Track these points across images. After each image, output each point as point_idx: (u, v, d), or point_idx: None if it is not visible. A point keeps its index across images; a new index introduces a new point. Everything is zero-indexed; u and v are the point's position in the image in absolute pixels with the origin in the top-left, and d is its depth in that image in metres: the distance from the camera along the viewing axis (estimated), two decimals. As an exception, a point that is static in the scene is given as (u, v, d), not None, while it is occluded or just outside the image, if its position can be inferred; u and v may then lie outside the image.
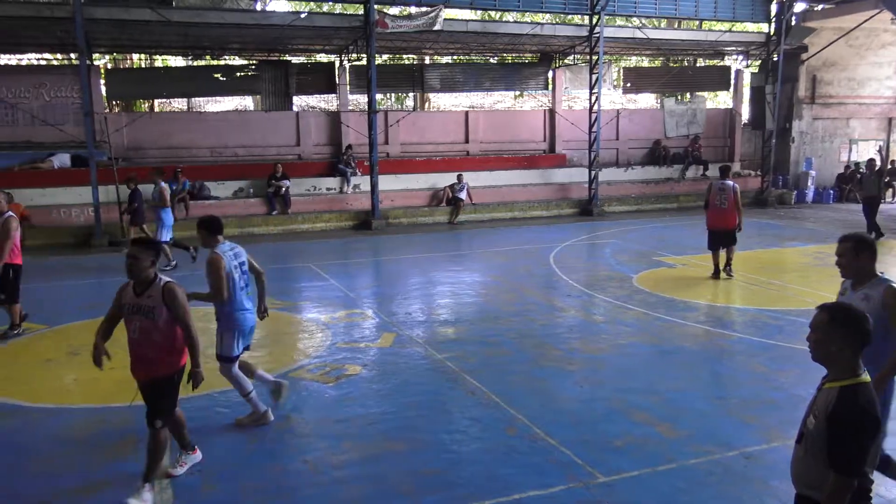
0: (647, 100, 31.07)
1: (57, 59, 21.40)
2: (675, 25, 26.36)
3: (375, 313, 9.79)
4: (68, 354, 8.08)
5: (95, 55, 20.62)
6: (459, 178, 20.12)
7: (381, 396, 6.68)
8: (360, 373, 7.30)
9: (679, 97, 26.94)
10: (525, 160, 23.09)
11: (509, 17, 21.70)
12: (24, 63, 21.79)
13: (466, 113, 24.35)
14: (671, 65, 29.33)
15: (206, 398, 6.53)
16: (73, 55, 19.54)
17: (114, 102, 22.81)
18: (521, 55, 25.05)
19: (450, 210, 19.91)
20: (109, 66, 23.20)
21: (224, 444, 5.63)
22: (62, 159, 18.36)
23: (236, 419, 6.08)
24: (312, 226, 18.55)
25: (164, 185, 13.66)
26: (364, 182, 19.61)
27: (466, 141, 23.63)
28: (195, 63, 23.02)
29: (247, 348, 6.12)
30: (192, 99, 26.84)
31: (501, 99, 33.71)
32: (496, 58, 25.60)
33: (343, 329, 9.00)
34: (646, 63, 31.21)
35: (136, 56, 25.63)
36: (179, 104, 29.07)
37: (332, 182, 20.10)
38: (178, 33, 18.32)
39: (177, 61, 23.93)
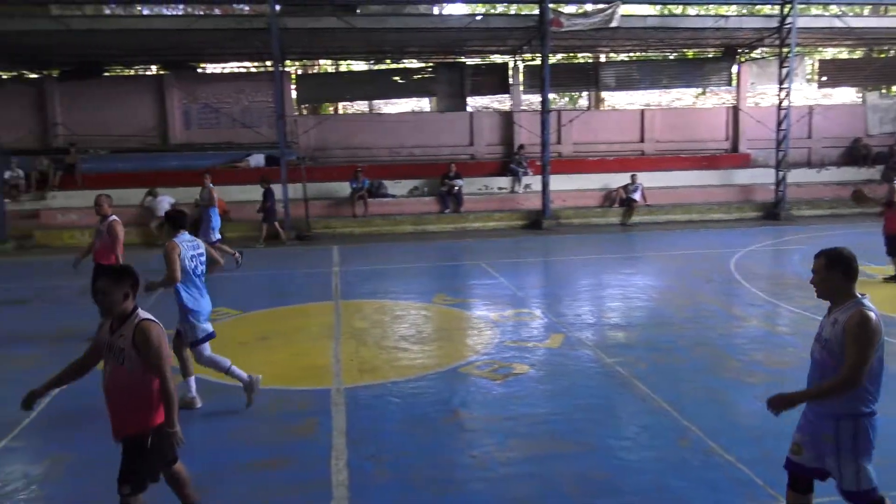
0: (846, 94, 28.52)
1: (255, 67, 23.25)
2: (881, 12, 23.96)
3: (544, 313, 9.75)
4: (258, 339, 8.74)
5: (287, 62, 22.17)
6: (633, 178, 19.55)
7: (548, 397, 6.64)
8: (527, 372, 7.30)
9: (884, 91, 24.45)
10: (704, 160, 22.00)
11: (691, 9, 20.74)
12: (226, 71, 23.89)
13: (642, 111, 23.63)
14: (875, 56, 26.69)
15: (379, 387, 6.82)
16: (268, 63, 21.15)
17: (303, 106, 24.45)
18: (703, 50, 23.89)
19: (623, 211, 19.41)
20: (300, 71, 24.87)
21: (395, 434, 5.84)
22: (258, 159, 19.94)
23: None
24: (483, 224, 18.81)
25: (212, 185, 13.88)
26: (535, 182, 19.59)
27: (642, 140, 22.93)
28: (376, 67, 24.13)
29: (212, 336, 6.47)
30: (373, 101, 28.16)
31: (680, 96, 32.36)
32: (675, 53, 24.61)
33: (511, 328, 9.04)
34: (845, 54, 28.62)
35: (323, 62, 27.31)
36: (361, 106, 30.60)
37: (504, 181, 20.28)
38: (361, 39, 19.28)
39: (359, 65, 25.19)
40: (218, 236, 13.54)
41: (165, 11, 18.58)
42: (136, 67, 23.76)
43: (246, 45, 19.19)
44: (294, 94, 22.44)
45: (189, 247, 6.33)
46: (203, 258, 6.46)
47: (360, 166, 19.08)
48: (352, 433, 5.75)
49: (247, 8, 19.46)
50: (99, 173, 18.97)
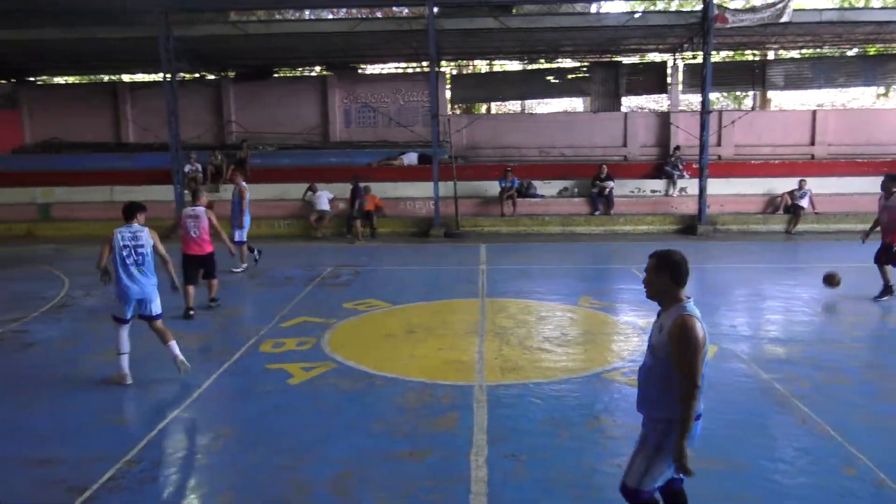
0: None
1: (411, 68, 23.92)
2: None
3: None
4: (405, 332, 8.99)
5: (443, 62, 22.63)
6: (801, 183, 18.26)
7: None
8: (675, 382, 7.01)
9: None
10: (885, 165, 20.14)
11: (875, 1, 19.07)
12: (384, 72, 24.75)
13: (814, 112, 22.02)
14: None
15: (521, 387, 6.81)
16: (424, 63, 21.70)
17: (456, 105, 24.86)
18: (888, 46, 21.89)
19: (787, 218, 18.19)
20: (454, 72, 25.32)
21: (535, 435, 5.81)
22: (411, 157, 20.52)
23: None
24: (634, 228, 18.29)
25: (244, 184, 13.58)
26: (691, 185, 18.78)
27: (812, 143, 21.41)
28: (529, 67, 24.10)
29: (145, 317, 7.23)
30: (525, 101, 28.14)
31: (858, 96, 29.87)
32: (855, 50, 22.72)
33: (660, 335, 8.72)
34: None
35: (477, 62, 27.62)
36: (513, 106, 30.67)
37: (658, 184, 19.61)
38: (515, 39, 19.32)
39: (513, 65, 25.27)
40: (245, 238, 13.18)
41: (327, 16, 19.54)
42: (302, 69, 25.17)
43: (404, 47, 19.78)
44: (448, 94, 22.88)
45: (126, 235, 7.08)
46: (142, 249, 7.11)
47: (510, 166, 19.13)
48: (492, 431, 5.78)
49: (406, 10, 20.07)
50: (266, 168, 20.26)
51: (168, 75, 17.75)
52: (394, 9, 21.18)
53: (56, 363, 7.99)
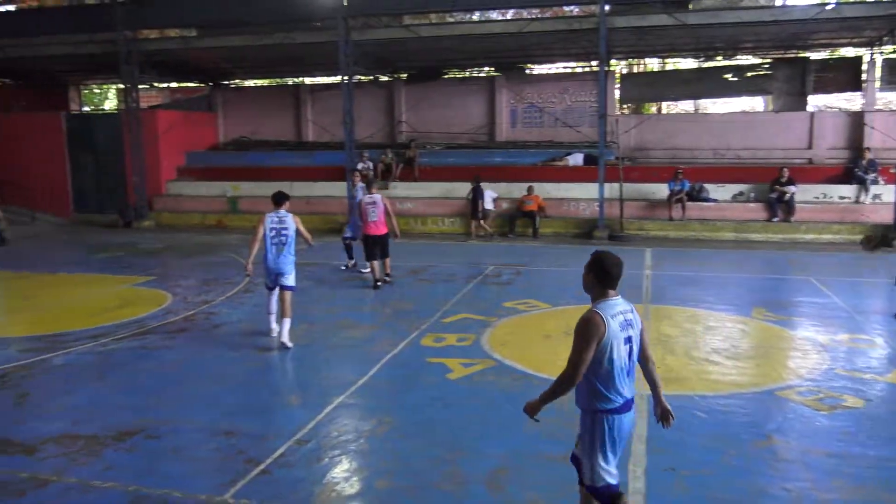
0: None
1: (580, 67, 23.60)
2: None
3: (887, 342, 8.49)
4: (565, 334, 8.88)
5: (612, 61, 22.14)
6: None
7: (886, 440, 5.76)
8: (861, 407, 6.42)
9: None
10: None
11: None
12: (552, 72, 24.60)
13: None
14: None
15: (685, 399, 6.53)
16: (593, 63, 21.32)
17: (625, 105, 24.24)
18: None
19: None
20: (624, 71, 24.68)
21: (698, 449, 5.55)
22: (576, 158, 20.26)
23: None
24: (817, 237, 16.91)
25: (361, 184, 13.97)
26: (887, 192, 17.07)
27: None
28: (705, 65, 22.99)
29: (282, 287, 8.43)
30: (698, 100, 26.90)
31: None
32: None
33: (844, 354, 8.03)
34: None
35: (648, 60, 26.76)
36: (685, 105, 29.42)
37: (847, 190, 17.98)
38: (690, 35, 18.51)
39: (686, 63, 24.22)
40: (350, 235, 13.35)
41: (494, 16, 19.70)
42: (471, 70, 25.58)
43: (573, 46, 19.54)
44: (617, 94, 22.34)
45: (274, 219, 8.38)
46: (285, 232, 8.35)
47: (681, 168, 18.35)
48: (652, 441, 5.59)
49: (576, 9, 19.82)
50: (433, 166, 20.81)
51: (346, 78, 18.70)
52: (564, 8, 20.99)
53: (239, 344, 8.68)
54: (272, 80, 28.83)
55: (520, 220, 18.00)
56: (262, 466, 5.29)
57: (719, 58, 22.60)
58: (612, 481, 3.87)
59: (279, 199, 8.50)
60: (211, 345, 8.68)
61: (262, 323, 9.13)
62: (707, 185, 18.48)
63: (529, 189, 18.14)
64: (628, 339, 3.80)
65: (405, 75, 23.97)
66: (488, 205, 18.15)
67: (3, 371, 7.67)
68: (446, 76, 24.75)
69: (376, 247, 11.60)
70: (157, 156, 21.84)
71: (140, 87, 21.60)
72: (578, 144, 20.57)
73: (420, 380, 7.23)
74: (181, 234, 19.19)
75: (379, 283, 11.57)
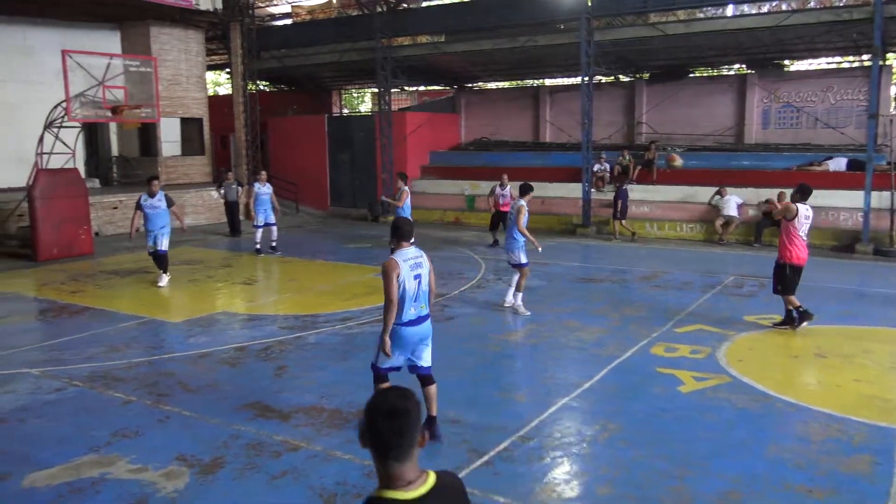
0: None
1: (847, 62, 21.30)
2: None
3: None
4: (815, 355, 8.09)
5: (889, 55, 19.71)
6: None
7: None
8: None
9: None
10: None
11: None
12: (813, 68, 22.45)
13: None
14: None
15: None
16: (864, 57, 19.12)
17: (902, 104, 21.45)
18: None
19: None
20: (903, 65, 21.84)
21: None
22: (838, 163, 18.28)
23: None
24: None
25: (405, 188, 14.56)
26: None
27: None
28: None
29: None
30: None
31: None
32: None
33: None
34: None
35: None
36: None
37: None
38: None
39: None
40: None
41: (747, 9, 18.28)
42: (719, 68, 24.14)
43: (839, 39, 17.67)
44: (893, 91, 19.83)
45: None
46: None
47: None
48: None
49: (845, -3, 17.88)
50: (673, 169, 19.95)
51: (586, 78, 18.56)
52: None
53: (470, 337, 9.00)
54: (512, 81, 29.48)
55: (767, 228, 16.62)
56: (485, 458, 5.44)
57: None
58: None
59: (525, 190, 10.31)
60: (443, 335, 9.05)
61: (492, 320, 9.38)
62: None
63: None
64: None
65: (647, 75, 23.25)
66: (732, 211, 17.02)
67: (267, 344, 8.66)
68: (692, 75, 23.62)
69: None
70: (405, 155, 23.29)
71: (392, 90, 23.18)
72: (841, 147, 18.58)
73: (648, 389, 6.98)
74: (421, 229, 20.20)
75: None
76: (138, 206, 12.06)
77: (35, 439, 5.99)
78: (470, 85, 27.68)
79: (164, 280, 12.17)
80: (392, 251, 5.50)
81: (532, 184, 10.74)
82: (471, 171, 22.94)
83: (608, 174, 20.14)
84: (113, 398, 6.87)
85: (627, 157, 20.32)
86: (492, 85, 29.53)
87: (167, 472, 5.29)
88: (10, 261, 14.69)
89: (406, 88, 29.08)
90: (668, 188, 19.13)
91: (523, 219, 9.92)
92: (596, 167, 19.78)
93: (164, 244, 12.08)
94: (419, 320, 5.58)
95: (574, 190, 19.52)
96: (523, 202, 10.08)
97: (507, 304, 10.28)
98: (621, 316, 9.92)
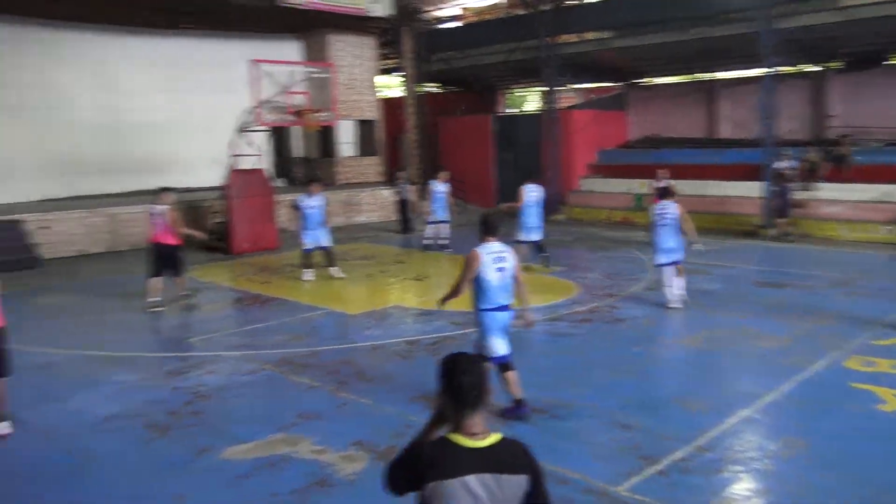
0: None
1: None
2: None
3: None
4: None
5: None
6: None
7: None
8: None
9: None
10: None
11: None
12: None
13: None
14: None
15: None
16: None
17: None
18: None
19: None
20: None
21: None
22: None
23: None
24: None
25: (524, 187, 13.31)
26: None
27: None
28: None
29: None
30: None
31: None
32: None
33: None
34: None
35: None
36: None
37: None
38: None
39: None
40: (528, 238, 13.20)
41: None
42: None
43: None
44: None
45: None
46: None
47: None
48: None
49: None
50: (869, 165, 18.26)
51: (766, 70, 17.36)
52: None
53: (641, 340, 8.78)
54: (683, 76, 28.21)
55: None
56: (658, 466, 5.28)
57: None
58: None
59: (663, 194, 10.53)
60: (613, 337, 8.91)
61: (663, 324, 9.08)
62: None
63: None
64: None
65: (837, 64, 21.39)
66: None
67: (436, 339, 8.91)
68: (891, 63, 21.46)
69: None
70: (572, 153, 23.04)
71: (558, 88, 22.99)
72: None
73: (841, 406, 6.44)
74: (589, 228, 19.99)
75: None
76: (296, 207, 12.79)
77: (233, 416, 6.58)
78: (638, 81, 26.85)
79: (337, 272, 12.91)
80: (479, 243, 6.15)
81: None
82: (639, 169, 22.24)
83: (794, 172, 18.72)
84: (299, 383, 7.38)
85: (814, 154, 18.81)
86: (661, 80, 28.44)
87: (346, 455, 5.60)
88: (208, 253, 16.11)
89: (573, 86, 28.69)
90: (860, 186, 17.52)
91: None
92: (784, 164, 18.38)
93: (326, 240, 12.80)
94: (505, 308, 6.21)
95: (753, 189, 18.33)
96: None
97: (672, 305, 10.03)
98: (808, 324, 9.21)
